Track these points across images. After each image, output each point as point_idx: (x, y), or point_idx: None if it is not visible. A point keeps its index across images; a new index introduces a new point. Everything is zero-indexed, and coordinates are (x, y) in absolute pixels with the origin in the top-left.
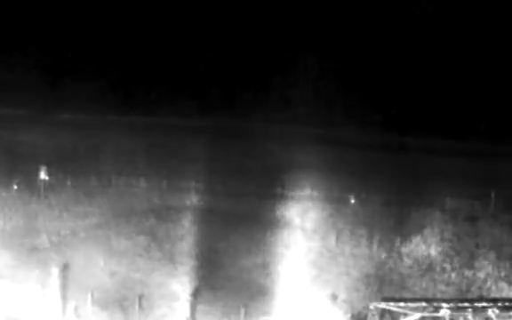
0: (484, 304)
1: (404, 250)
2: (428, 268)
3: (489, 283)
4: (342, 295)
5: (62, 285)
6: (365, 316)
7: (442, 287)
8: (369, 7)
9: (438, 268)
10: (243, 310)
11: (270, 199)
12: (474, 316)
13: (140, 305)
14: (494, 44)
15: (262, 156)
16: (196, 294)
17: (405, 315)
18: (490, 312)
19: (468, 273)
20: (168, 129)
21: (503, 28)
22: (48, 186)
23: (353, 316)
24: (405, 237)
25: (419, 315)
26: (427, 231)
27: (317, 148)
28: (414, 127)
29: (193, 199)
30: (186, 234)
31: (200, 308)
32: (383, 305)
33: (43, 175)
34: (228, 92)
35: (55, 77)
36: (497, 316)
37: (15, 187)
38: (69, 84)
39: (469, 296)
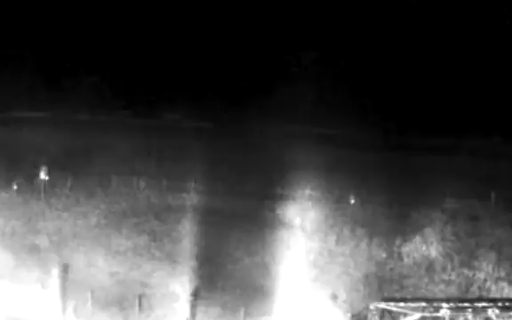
0: (484, 304)
1: (404, 250)
2: (428, 267)
3: (489, 283)
4: (342, 295)
5: (62, 285)
6: (365, 316)
7: (442, 287)
8: (369, 7)
9: (438, 268)
10: (243, 310)
11: (270, 199)
12: (474, 316)
13: (140, 305)
14: (495, 43)
15: (262, 156)
16: (196, 294)
17: (405, 315)
18: (490, 312)
19: (467, 273)
20: (168, 129)
21: (505, 26)
22: (48, 186)
23: (353, 316)
24: (405, 237)
25: (419, 315)
26: (427, 231)
27: (317, 148)
28: (414, 127)
29: (193, 199)
30: (186, 234)
31: (200, 308)
32: (383, 305)
33: (43, 175)
34: (229, 92)
35: (55, 77)
36: (497, 316)
37: (15, 187)
38: (69, 83)
39: (469, 296)
